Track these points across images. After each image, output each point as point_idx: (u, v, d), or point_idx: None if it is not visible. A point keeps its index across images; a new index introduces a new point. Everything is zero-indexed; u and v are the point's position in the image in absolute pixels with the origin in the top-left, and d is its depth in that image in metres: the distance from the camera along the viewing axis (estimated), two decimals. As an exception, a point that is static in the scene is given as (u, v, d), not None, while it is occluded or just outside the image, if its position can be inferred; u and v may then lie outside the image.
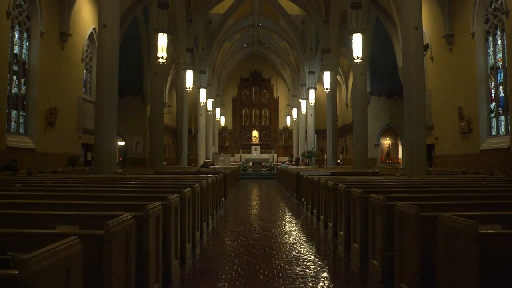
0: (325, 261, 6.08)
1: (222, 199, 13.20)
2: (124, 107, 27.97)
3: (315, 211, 10.35)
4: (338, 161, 32.22)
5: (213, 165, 32.05)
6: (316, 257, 6.24)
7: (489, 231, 2.95)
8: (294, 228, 8.98)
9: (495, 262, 2.86)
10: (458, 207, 4.86)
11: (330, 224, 8.17)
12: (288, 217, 10.82)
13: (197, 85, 33.79)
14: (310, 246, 7.10)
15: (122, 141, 31.12)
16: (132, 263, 3.15)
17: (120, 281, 2.92)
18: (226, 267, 5.60)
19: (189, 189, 6.21)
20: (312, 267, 5.65)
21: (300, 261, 5.93)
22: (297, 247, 6.90)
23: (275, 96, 48.66)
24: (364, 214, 5.63)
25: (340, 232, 7.23)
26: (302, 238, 7.82)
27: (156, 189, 7.29)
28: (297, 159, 39.10)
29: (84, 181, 8.87)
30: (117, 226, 2.83)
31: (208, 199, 8.81)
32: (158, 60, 18.41)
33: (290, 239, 7.68)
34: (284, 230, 8.66)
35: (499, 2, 16.76)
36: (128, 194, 6.13)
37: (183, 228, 5.60)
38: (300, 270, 5.45)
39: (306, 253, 6.48)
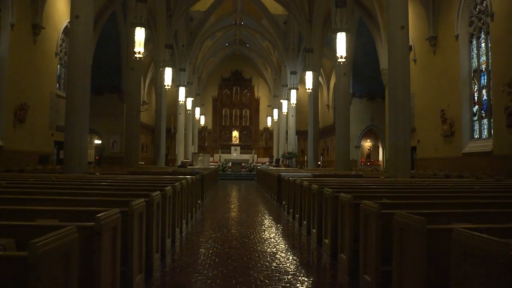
0: (309, 274, 5.48)
1: (199, 201, 12.53)
2: (102, 105, 27.12)
3: (297, 215, 9.79)
4: (319, 162, 31.83)
5: (192, 165, 31.29)
6: (299, 269, 5.66)
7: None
8: (274, 235, 8.39)
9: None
10: (459, 216, 4.34)
11: (314, 230, 7.61)
12: (268, 222, 10.23)
13: (176, 83, 32.98)
14: (292, 255, 6.52)
15: (98, 139, 30.12)
16: (74, 285, 2.51)
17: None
18: (199, 282, 4.95)
19: (158, 192, 5.56)
20: (295, 281, 5.06)
21: (281, 274, 5.32)
22: (278, 257, 6.30)
23: (256, 96, 48.08)
24: (354, 222, 5.06)
25: (325, 240, 6.66)
26: (283, 246, 7.23)
27: (124, 191, 6.59)
28: (277, 160, 38.62)
29: (46, 182, 8.10)
30: (49, 245, 2.18)
31: (182, 202, 8.15)
32: (135, 55, 17.70)
33: (270, 247, 7.08)
34: (263, 237, 8.06)
35: (483, 4, 16.58)
36: (90, 198, 5.42)
37: (150, 237, 4.93)
38: (281, 286, 4.85)
39: (288, 264, 5.89)
